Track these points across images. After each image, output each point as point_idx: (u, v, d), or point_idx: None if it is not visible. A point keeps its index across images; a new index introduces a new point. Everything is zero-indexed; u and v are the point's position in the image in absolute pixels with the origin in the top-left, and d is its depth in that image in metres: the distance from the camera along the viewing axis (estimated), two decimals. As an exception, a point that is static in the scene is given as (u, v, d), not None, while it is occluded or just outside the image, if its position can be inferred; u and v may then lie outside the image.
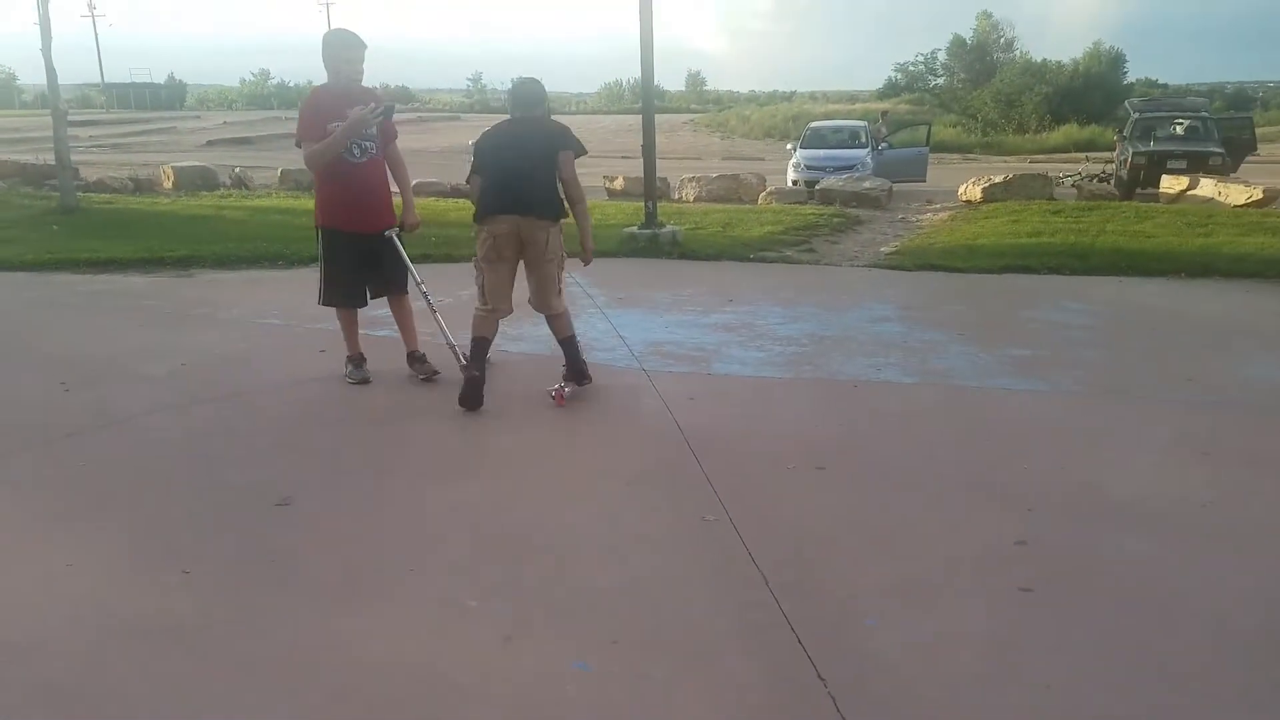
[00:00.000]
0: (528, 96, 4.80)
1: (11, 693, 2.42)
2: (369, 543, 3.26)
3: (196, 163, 19.44)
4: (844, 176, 14.95)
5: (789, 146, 19.72)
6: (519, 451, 4.19)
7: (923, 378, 5.27)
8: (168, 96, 73.79)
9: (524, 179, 4.61)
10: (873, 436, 4.39)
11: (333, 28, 4.82)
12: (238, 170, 18.71)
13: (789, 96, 77.07)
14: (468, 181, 4.84)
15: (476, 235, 4.73)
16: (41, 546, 3.21)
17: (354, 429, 4.49)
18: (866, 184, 14.12)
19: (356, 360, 5.16)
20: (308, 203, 14.50)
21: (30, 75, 71.91)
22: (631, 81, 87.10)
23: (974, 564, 3.15)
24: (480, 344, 4.75)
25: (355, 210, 4.86)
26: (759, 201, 14.43)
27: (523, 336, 6.02)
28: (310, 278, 7.01)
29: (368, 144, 4.80)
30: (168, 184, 17.00)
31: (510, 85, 5.11)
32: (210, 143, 33.40)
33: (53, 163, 13.44)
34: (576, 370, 4.96)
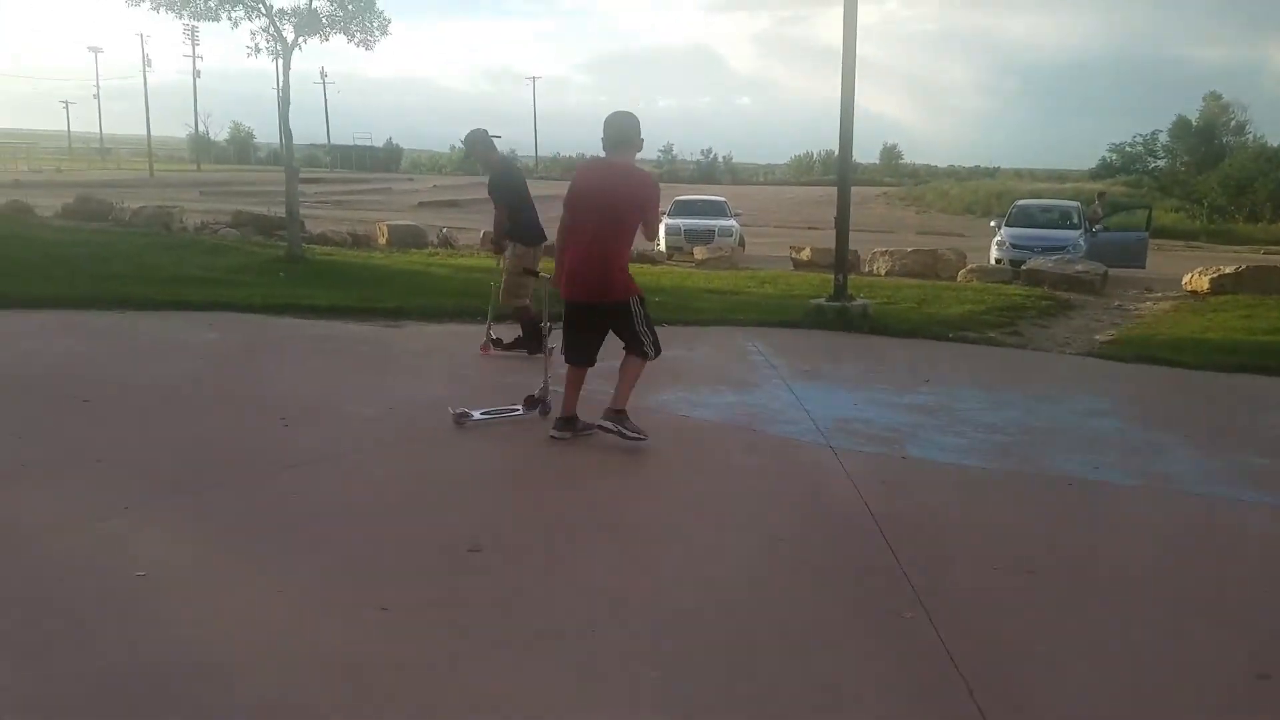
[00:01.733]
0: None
1: (213, 715, 2.50)
2: (551, 600, 3.22)
3: (408, 221, 20.89)
4: (1053, 258, 14.16)
5: (993, 224, 18.98)
6: (702, 523, 4.07)
7: (1145, 481, 4.80)
8: (385, 159, 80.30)
9: None
10: (1088, 542, 4.00)
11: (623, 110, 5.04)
12: (445, 230, 19.91)
13: (992, 173, 74.69)
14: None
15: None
16: (255, 571, 3.37)
17: (544, 481, 4.52)
18: (1079, 267, 13.31)
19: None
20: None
21: (265, 134, 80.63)
22: (822, 154, 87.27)
23: (1208, 696, 2.77)
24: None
25: None
26: (958, 279, 13.89)
27: (704, 403, 5.96)
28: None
29: None
30: (382, 240, 18.30)
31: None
32: (421, 204, 35.85)
33: (282, 215, 14.75)
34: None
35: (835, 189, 9.72)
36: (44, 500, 3.93)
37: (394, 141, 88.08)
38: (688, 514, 4.18)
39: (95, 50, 74.63)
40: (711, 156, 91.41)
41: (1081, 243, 16.35)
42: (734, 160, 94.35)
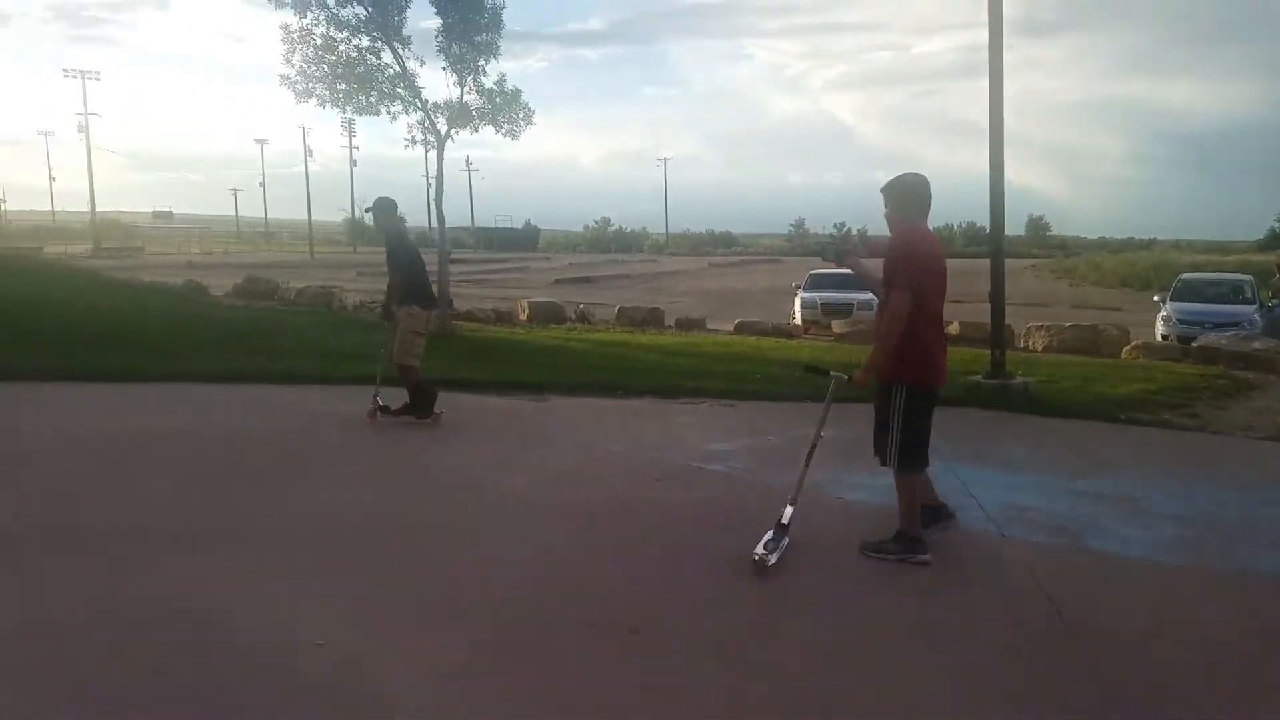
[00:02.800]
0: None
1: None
2: (714, 688, 3.05)
3: (547, 299, 21.44)
4: (1227, 334, 13.18)
5: (1157, 298, 17.91)
6: (873, 625, 3.81)
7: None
8: (523, 239, 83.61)
9: None
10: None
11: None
12: (581, 306, 20.33)
13: (1148, 244, 71.60)
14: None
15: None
16: (424, 644, 3.36)
17: (701, 563, 4.35)
18: (1256, 344, 12.31)
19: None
20: (641, 337, 15.39)
21: (413, 218, 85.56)
22: (962, 225, 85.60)
23: None
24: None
25: None
26: (1122, 355, 13.07)
27: (860, 485, 5.70)
28: (645, 410, 7.21)
29: None
30: (523, 316, 18.82)
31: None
32: (557, 280, 36.85)
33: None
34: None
35: (978, 260, 9.45)
36: (225, 570, 4.05)
37: (532, 222, 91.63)
38: (851, 605, 3.94)
39: (262, 142, 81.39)
40: (845, 229, 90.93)
41: (1256, 318, 15.21)
42: (869, 233, 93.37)
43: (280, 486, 5.43)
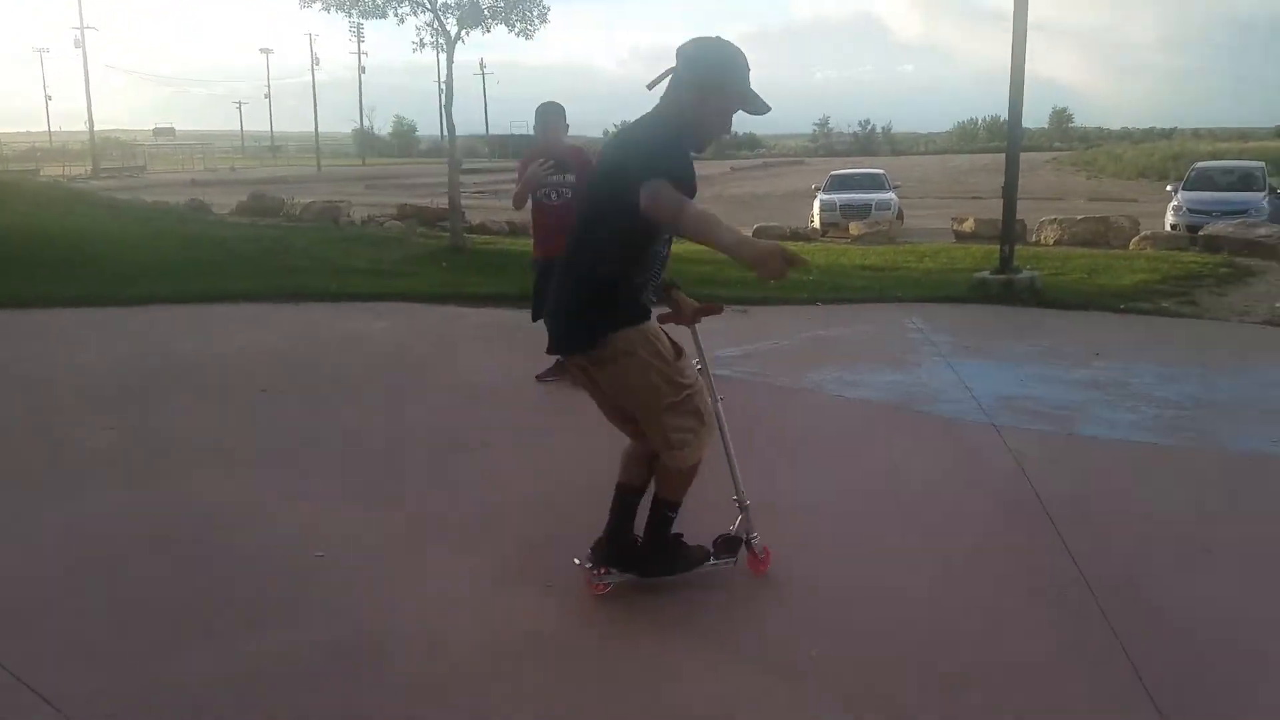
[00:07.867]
0: None
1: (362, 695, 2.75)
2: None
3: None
4: (1234, 222, 13.15)
5: (1169, 188, 17.76)
6: (858, 507, 4.02)
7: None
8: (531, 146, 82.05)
9: None
10: (1272, 520, 3.79)
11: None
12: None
13: (1169, 134, 70.00)
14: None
15: None
16: (436, 551, 3.64)
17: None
18: (1261, 230, 12.28)
19: None
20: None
21: (426, 127, 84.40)
22: (986, 119, 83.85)
23: None
24: None
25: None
26: (1130, 246, 13.09)
27: (861, 382, 5.91)
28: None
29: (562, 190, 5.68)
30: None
31: None
32: (572, 188, 36.44)
33: (444, 206, 15.28)
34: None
35: (1000, 156, 9.37)
36: (232, 486, 4.20)
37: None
38: (845, 498, 4.14)
39: (266, 52, 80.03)
40: (870, 128, 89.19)
41: (1265, 205, 15.17)
42: (894, 130, 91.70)
43: (294, 407, 5.55)
